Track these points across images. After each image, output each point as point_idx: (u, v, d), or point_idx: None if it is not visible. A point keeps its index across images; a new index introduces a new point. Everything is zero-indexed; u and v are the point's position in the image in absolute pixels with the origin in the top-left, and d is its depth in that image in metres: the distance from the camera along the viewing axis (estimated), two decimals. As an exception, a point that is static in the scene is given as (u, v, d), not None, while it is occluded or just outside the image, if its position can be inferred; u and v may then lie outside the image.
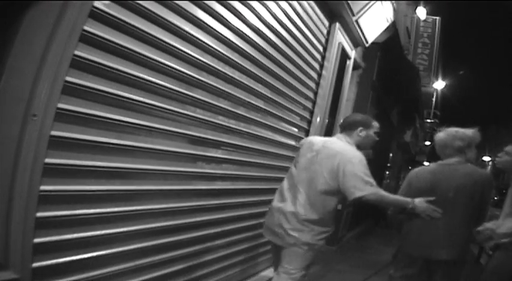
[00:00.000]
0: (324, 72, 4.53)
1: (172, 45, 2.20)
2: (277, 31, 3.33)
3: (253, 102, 3.19)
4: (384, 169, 12.38)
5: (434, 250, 2.68)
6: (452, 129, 2.88)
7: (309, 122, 4.51)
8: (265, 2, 3.03)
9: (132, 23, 1.92)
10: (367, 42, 5.59)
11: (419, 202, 2.68)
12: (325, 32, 4.45)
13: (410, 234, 2.84)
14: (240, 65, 2.91)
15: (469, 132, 2.85)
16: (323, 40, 4.45)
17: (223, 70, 2.71)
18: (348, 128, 2.89)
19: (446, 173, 2.79)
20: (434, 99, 23.20)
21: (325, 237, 2.69)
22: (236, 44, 2.79)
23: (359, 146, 2.84)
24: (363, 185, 2.55)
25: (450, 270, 2.69)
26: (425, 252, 2.74)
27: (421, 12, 14.02)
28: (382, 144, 3.65)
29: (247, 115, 3.15)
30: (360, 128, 2.84)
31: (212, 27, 2.50)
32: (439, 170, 2.85)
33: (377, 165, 6.83)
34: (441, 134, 2.92)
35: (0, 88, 1.49)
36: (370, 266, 5.66)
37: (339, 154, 2.64)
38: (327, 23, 4.45)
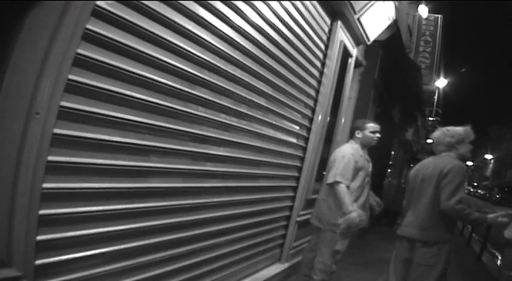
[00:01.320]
0: (325, 70, 4.53)
1: (175, 44, 2.21)
2: (279, 29, 3.33)
3: (255, 100, 3.20)
4: (386, 167, 12.36)
5: (409, 229, 3.07)
6: (445, 128, 3.16)
7: (311, 120, 4.51)
8: (267, 0, 3.03)
9: (135, 21, 1.93)
10: (369, 40, 5.59)
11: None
12: (327, 30, 4.45)
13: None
14: (242, 63, 2.91)
15: (459, 129, 3.10)
16: (325, 38, 4.44)
17: (225, 68, 2.71)
18: (351, 133, 3.75)
19: (426, 164, 3.14)
20: (436, 97, 23.18)
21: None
22: (238, 42, 2.79)
23: (363, 145, 3.64)
24: (332, 174, 3.42)
25: (424, 250, 2.96)
26: (403, 231, 3.13)
27: (423, 10, 13.98)
28: (383, 142, 3.79)
29: (249, 113, 3.15)
30: (357, 131, 3.66)
31: (214, 26, 2.50)
32: (425, 162, 3.21)
33: (379, 163, 6.85)
34: (435, 132, 3.21)
35: (4, 86, 1.50)
36: (370, 264, 5.68)
37: (334, 153, 3.64)
38: (328, 21, 4.45)
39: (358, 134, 3.64)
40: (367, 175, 3.61)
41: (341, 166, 3.40)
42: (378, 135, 3.67)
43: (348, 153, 3.48)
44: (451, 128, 3.11)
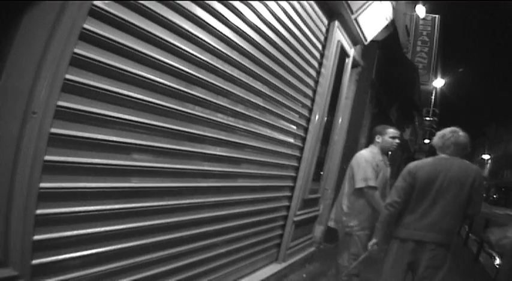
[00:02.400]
0: (322, 70, 4.54)
1: (172, 43, 2.21)
2: (276, 29, 3.33)
3: (252, 100, 3.20)
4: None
5: (428, 233, 2.93)
6: (463, 133, 3.07)
7: (308, 120, 4.52)
8: (264, 0, 3.04)
9: (132, 21, 1.93)
10: (366, 40, 5.59)
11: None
12: (324, 30, 4.46)
13: (404, 221, 3.05)
14: (239, 63, 2.91)
15: (465, 137, 3.07)
16: (322, 38, 4.45)
17: (223, 68, 2.72)
18: (372, 138, 3.86)
19: (444, 165, 3.01)
20: (433, 97, 23.23)
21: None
22: (235, 42, 2.80)
23: (383, 150, 3.76)
24: (362, 179, 3.51)
25: (437, 252, 2.92)
26: (418, 235, 2.97)
27: (420, 10, 14.00)
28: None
29: (246, 113, 3.15)
30: (377, 136, 3.78)
31: (211, 26, 2.50)
32: (437, 163, 3.07)
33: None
34: (461, 135, 3.08)
35: (1, 86, 1.50)
36: (367, 264, 5.67)
37: (355, 158, 3.72)
38: (326, 21, 4.46)
39: (378, 139, 3.76)
40: (386, 179, 3.71)
41: (368, 170, 3.51)
42: (397, 140, 3.78)
43: (369, 157, 3.61)
44: (463, 133, 3.06)
